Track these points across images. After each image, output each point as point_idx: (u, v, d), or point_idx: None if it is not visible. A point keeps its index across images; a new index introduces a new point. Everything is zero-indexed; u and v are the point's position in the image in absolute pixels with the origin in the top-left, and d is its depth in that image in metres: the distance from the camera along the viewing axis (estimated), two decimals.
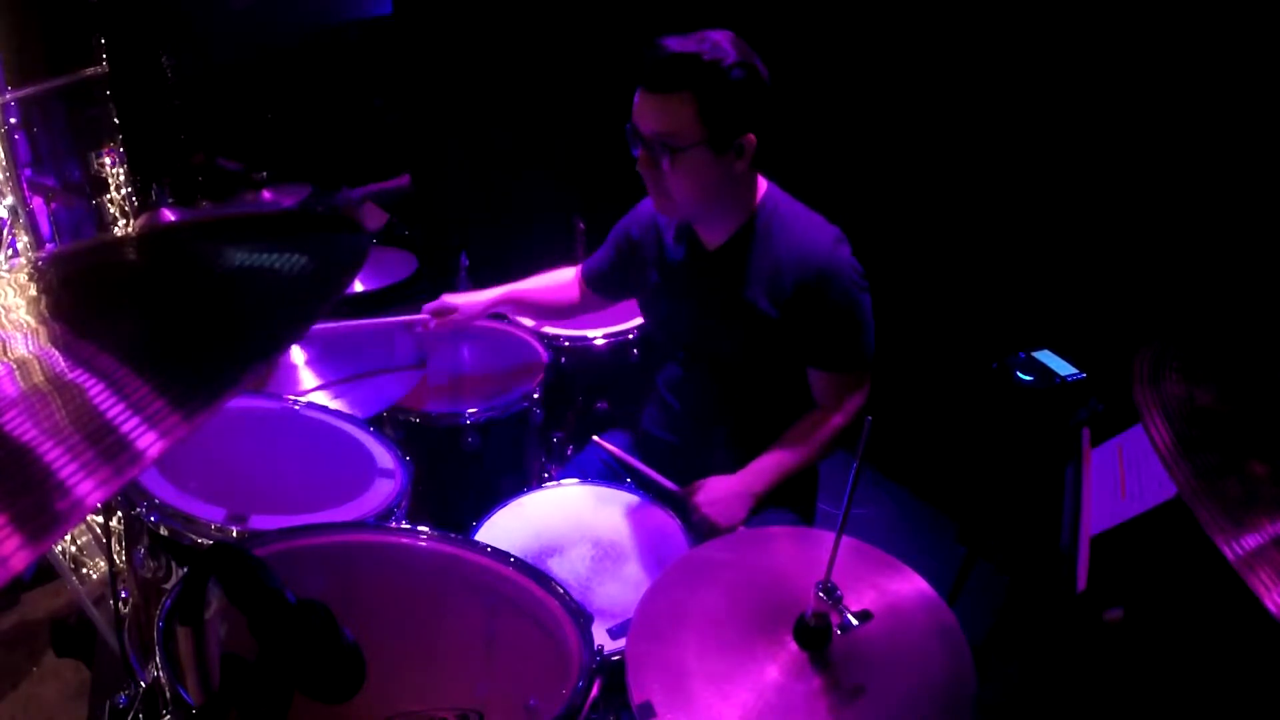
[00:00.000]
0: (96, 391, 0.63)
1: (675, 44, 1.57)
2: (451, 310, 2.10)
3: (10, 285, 0.80)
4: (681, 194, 1.66)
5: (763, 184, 1.79)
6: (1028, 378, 2.09)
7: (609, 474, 2.00)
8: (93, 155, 2.87)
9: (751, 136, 1.62)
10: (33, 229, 2.49)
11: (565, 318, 2.28)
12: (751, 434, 1.86)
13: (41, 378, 0.65)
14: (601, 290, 2.12)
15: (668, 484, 1.85)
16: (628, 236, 2.00)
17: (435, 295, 2.14)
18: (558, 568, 1.61)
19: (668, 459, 1.94)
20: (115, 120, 2.82)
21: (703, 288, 1.83)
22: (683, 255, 1.87)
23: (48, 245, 2.63)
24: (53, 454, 0.57)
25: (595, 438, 2.06)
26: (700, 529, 1.74)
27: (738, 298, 1.77)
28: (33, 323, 0.74)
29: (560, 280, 2.19)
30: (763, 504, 1.80)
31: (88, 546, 2.48)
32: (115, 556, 1.88)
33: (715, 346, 1.85)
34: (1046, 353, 2.15)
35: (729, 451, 1.86)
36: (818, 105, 2.91)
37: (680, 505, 1.80)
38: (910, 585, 1.28)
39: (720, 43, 1.58)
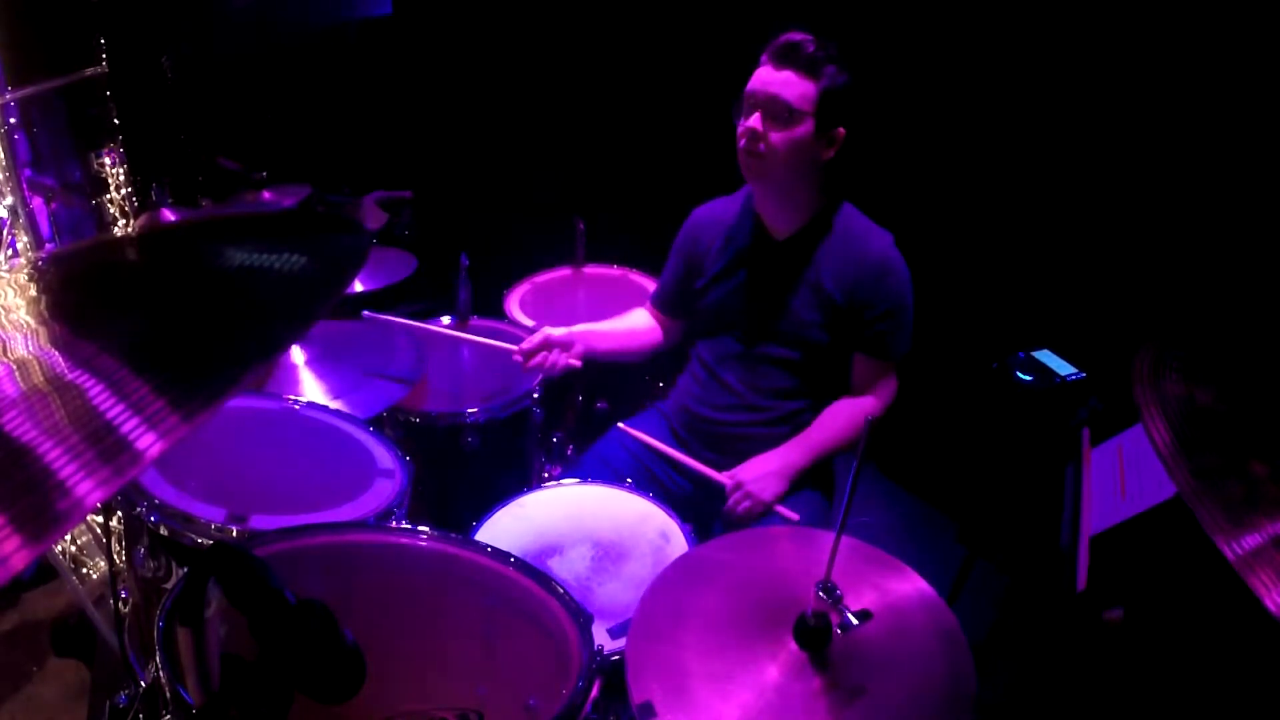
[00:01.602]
0: (96, 392, 0.63)
1: (803, 37, 1.79)
2: (568, 344, 1.99)
3: (10, 285, 0.80)
4: (776, 158, 1.80)
5: (835, 196, 1.94)
6: (1028, 378, 2.09)
7: (634, 462, 2.04)
8: (93, 155, 2.87)
9: (842, 130, 1.82)
10: (33, 229, 2.48)
11: (646, 357, 2.23)
12: (811, 410, 1.98)
13: (41, 378, 0.65)
14: (675, 311, 2.15)
15: (703, 468, 1.94)
16: (687, 245, 2.07)
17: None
18: (558, 568, 1.62)
19: (706, 433, 2.03)
20: (115, 120, 2.81)
21: (771, 271, 1.94)
22: (748, 243, 1.97)
23: (48, 245, 2.62)
24: (53, 454, 0.57)
25: (620, 424, 2.07)
26: (738, 508, 1.86)
27: (807, 280, 1.90)
28: (33, 323, 0.74)
29: (635, 324, 2.18)
30: (793, 486, 1.91)
31: (88, 546, 2.48)
32: (115, 556, 1.88)
33: (778, 325, 1.93)
34: (1046, 353, 2.15)
35: (778, 426, 1.97)
36: None
37: (710, 489, 1.91)
38: (910, 585, 1.28)
39: (835, 52, 1.80)
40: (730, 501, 1.87)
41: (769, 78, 1.78)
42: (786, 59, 1.77)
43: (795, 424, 1.98)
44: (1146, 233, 2.31)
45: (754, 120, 1.78)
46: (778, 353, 1.95)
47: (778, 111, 1.76)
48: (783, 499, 1.88)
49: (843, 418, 1.96)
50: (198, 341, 0.74)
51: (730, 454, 1.97)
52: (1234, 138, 2.10)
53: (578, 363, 1.99)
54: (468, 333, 2.29)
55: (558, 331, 1.99)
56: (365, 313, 2.18)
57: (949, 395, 2.81)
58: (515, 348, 2.00)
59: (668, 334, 2.19)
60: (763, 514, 1.86)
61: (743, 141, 1.80)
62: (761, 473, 1.88)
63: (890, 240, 1.91)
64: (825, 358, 1.94)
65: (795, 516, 1.84)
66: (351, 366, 2.11)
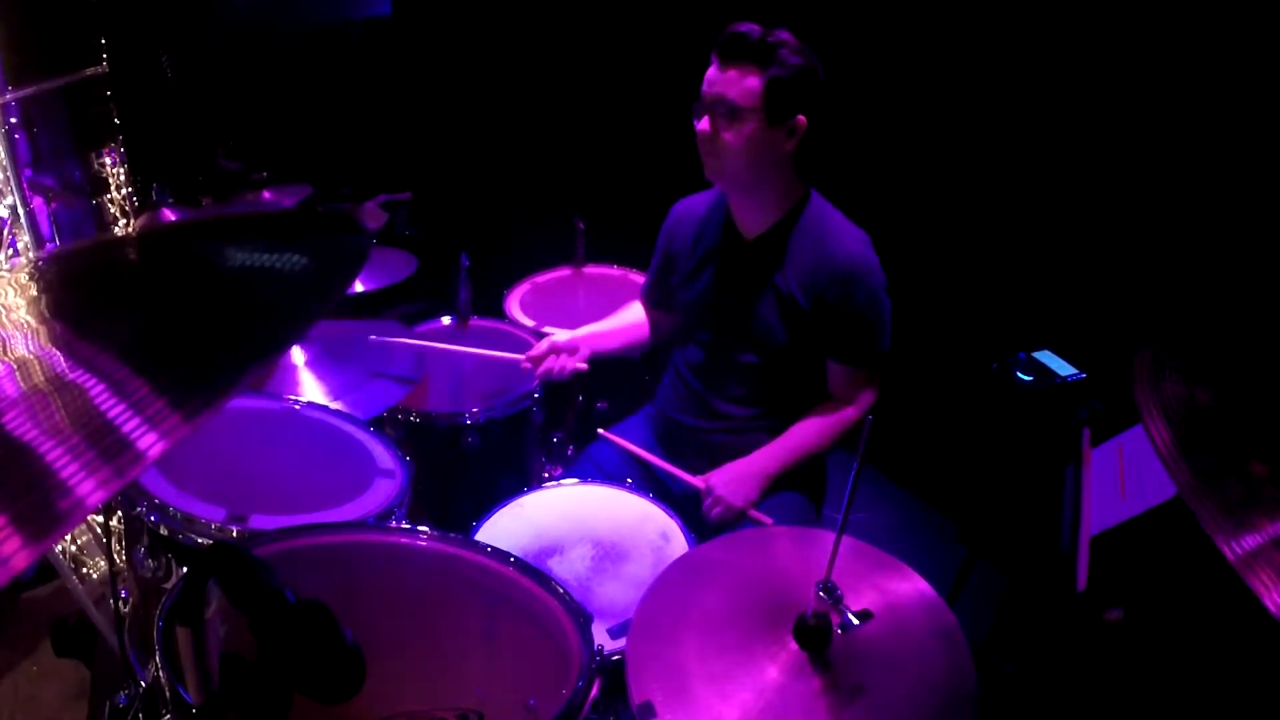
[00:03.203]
0: (97, 391, 0.63)
1: (748, 27, 1.73)
2: (574, 349, 1.99)
3: (10, 285, 0.80)
4: (731, 157, 1.76)
5: (806, 189, 1.88)
6: (1028, 378, 2.09)
7: (625, 465, 2.03)
8: (93, 155, 2.87)
9: (802, 118, 1.75)
10: (33, 229, 2.48)
11: (646, 349, 2.24)
12: (770, 417, 1.95)
13: (42, 378, 0.65)
14: (661, 305, 2.14)
15: (680, 474, 1.91)
16: (666, 239, 2.07)
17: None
18: (558, 568, 1.62)
19: (685, 440, 2.01)
20: (115, 120, 2.81)
21: (737, 272, 1.91)
22: (719, 243, 1.94)
23: (48, 245, 2.62)
24: (53, 454, 0.57)
25: (601, 431, 2.06)
26: (710, 513, 1.83)
27: (772, 283, 1.85)
28: (33, 323, 0.74)
29: (630, 318, 2.18)
30: (774, 487, 1.88)
31: (88, 546, 2.48)
32: (115, 556, 1.88)
33: (743, 328, 1.90)
34: (1046, 353, 2.15)
35: (748, 434, 1.94)
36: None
37: (691, 495, 1.87)
38: (910, 585, 1.28)
39: (786, 36, 1.74)
40: (704, 506, 1.85)
41: (714, 78, 1.74)
42: (730, 54, 1.72)
43: (771, 430, 1.94)
44: (1146, 233, 2.31)
45: (703, 124, 1.76)
46: (741, 357, 1.92)
47: (723, 111, 1.72)
48: (757, 504, 1.85)
49: (817, 424, 1.92)
50: (198, 341, 0.74)
51: (708, 460, 1.93)
52: (1233, 138, 2.10)
53: (585, 366, 1.99)
54: (469, 335, 2.29)
55: (562, 336, 2.00)
56: (372, 337, 2.19)
57: (949, 395, 2.81)
58: (521, 357, 2.00)
59: (658, 328, 2.18)
60: (736, 519, 1.83)
61: (699, 144, 1.78)
62: (732, 477, 1.85)
63: (865, 242, 1.84)
64: (789, 362, 1.90)
65: (768, 521, 1.81)
66: (352, 367, 2.11)
